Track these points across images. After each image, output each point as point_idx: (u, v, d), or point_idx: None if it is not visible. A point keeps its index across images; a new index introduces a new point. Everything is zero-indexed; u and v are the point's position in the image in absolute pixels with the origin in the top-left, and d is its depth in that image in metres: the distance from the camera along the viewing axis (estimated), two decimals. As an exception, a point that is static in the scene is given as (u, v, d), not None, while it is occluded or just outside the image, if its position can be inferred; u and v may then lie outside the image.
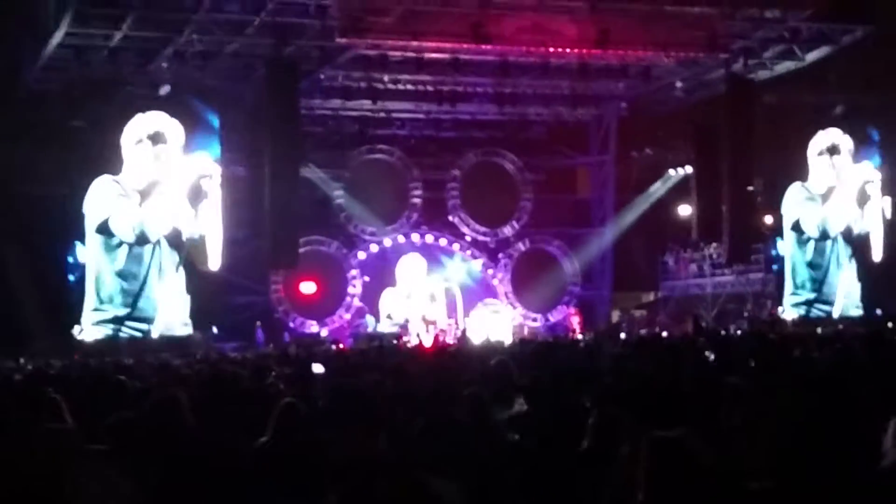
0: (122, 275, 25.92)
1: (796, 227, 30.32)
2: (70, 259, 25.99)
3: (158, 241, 26.20)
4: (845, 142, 30.71)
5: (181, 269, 26.35)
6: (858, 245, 30.43)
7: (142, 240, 26.12)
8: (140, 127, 26.13)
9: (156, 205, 26.26)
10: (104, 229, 25.84)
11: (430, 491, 3.47)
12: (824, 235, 30.38)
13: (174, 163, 26.37)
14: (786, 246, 30.38)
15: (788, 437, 5.44)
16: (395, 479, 3.62)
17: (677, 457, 4.41)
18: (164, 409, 6.69)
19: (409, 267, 30.78)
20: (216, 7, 22.14)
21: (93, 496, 5.11)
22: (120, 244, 25.97)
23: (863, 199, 30.73)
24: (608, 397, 6.82)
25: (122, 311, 25.74)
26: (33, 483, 4.09)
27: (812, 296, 30.10)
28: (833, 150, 30.59)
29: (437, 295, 30.58)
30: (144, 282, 26.06)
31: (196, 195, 26.45)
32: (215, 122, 26.61)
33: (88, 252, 25.80)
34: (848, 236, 30.41)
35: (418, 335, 27.60)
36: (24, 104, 25.90)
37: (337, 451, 5.92)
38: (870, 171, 30.76)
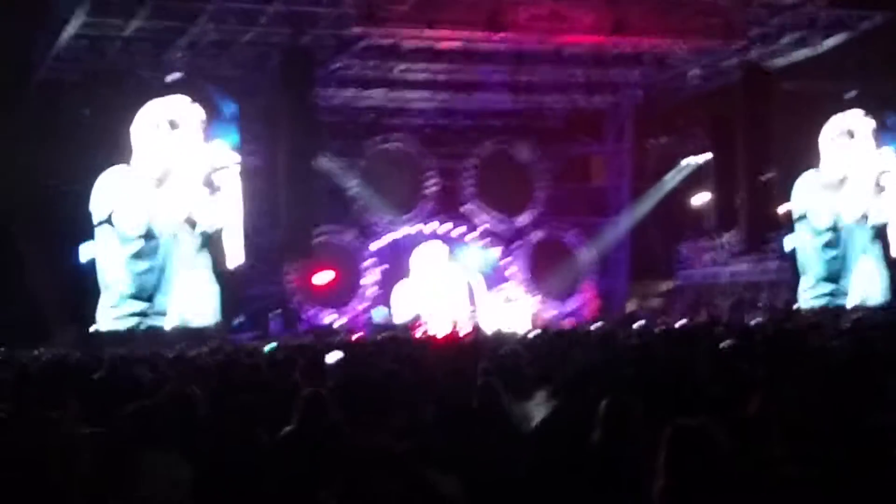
0: (135, 269, 25.50)
1: (804, 218, 29.90)
2: (81, 256, 25.58)
3: (175, 235, 25.85)
4: (864, 125, 29.97)
5: (204, 260, 26.01)
6: (876, 236, 29.98)
7: (149, 235, 25.70)
8: (157, 111, 25.80)
9: (167, 196, 25.89)
10: (108, 223, 25.56)
11: (428, 485, 3.45)
12: (836, 226, 29.87)
13: (192, 150, 26.06)
14: (797, 238, 29.96)
15: (808, 426, 5.40)
16: (396, 473, 3.60)
17: (698, 445, 4.39)
18: (179, 401, 6.70)
19: (427, 257, 30.74)
20: (231, -4, 22.12)
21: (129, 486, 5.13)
22: (131, 238, 25.62)
23: (879, 188, 30.16)
24: (621, 387, 6.79)
25: (139, 307, 25.48)
26: (28, 472, 4.09)
27: (828, 288, 29.68)
28: (850, 134, 29.93)
29: (455, 285, 30.55)
30: (161, 275, 25.68)
31: (212, 185, 26.30)
32: (232, 109, 26.52)
33: (98, 247, 25.38)
34: (863, 226, 29.97)
35: (430, 326, 27.58)
36: (39, 96, 25.94)
37: (346, 440, 5.91)
38: (889, 160, 30.11)
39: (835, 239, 29.92)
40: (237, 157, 26.50)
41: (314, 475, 5.59)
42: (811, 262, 29.97)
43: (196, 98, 26.05)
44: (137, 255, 25.67)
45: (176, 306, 25.80)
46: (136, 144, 25.74)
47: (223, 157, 26.40)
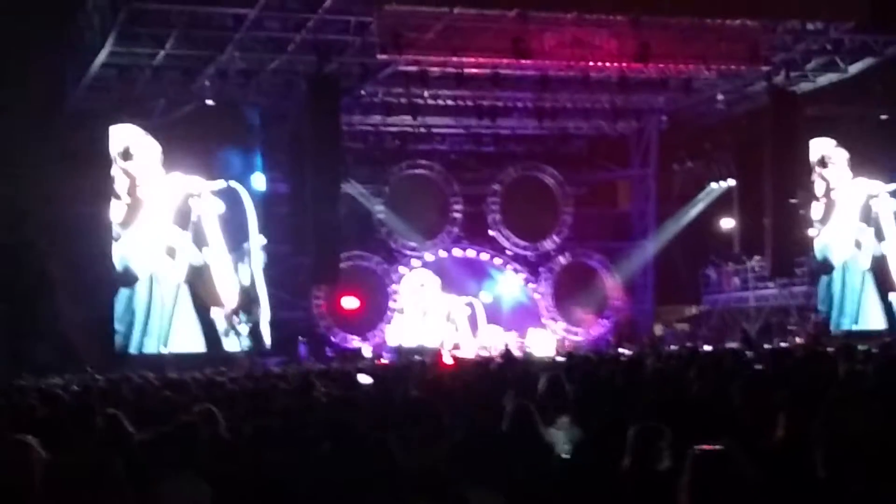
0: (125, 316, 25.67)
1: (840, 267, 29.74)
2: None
3: (152, 277, 25.78)
4: (837, 153, 29.87)
5: (186, 295, 26.00)
6: (873, 270, 29.64)
7: (129, 279, 25.69)
8: (113, 142, 25.83)
9: (138, 235, 25.71)
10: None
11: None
12: (826, 266, 29.58)
13: (152, 183, 25.98)
14: (829, 284, 29.82)
15: (839, 452, 5.37)
16: (438, 494, 3.62)
17: (721, 470, 4.38)
18: (202, 423, 6.75)
19: (419, 286, 30.69)
20: (258, 25, 22.34)
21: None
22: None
23: (867, 216, 29.75)
24: (650, 412, 6.78)
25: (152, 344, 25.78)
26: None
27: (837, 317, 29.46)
28: (821, 163, 29.70)
29: (455, 313, 30.52)
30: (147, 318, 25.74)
31: (184, 218, 26.31)
32: (257, 120, 26.57)
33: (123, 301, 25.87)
34: (855, 262, 29.62)
35: (454, 351, 27.53)
36: (69, 124, 26.26)
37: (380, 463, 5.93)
38: (874, 185, 29.76)
39: (828, 280, 29.64)
40: (208, 186, 26.53)
41: (350, 497, 5.62)
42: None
43: (223, 115, 26.00)
44: (139, 301, 25.84)
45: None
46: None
47: (192, 187, 26.39)
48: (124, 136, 25.85)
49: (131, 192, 25.87)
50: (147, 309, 25.77)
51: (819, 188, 29.69)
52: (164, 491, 5.63)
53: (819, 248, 29.56)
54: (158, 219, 25.96)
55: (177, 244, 26.06)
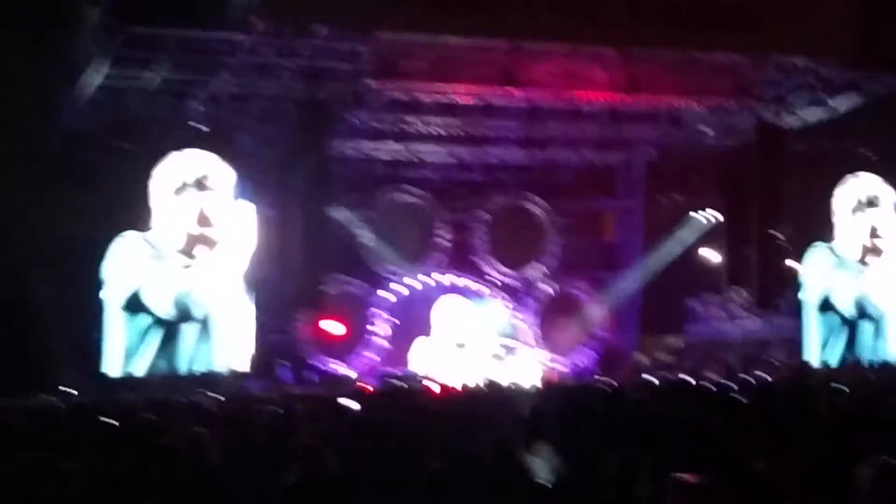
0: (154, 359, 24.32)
1: (827, 306, 28.51)
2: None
3: (206, 320, 24.66)
4: (886, 192, 28.83)
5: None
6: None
7: (184, 315, 24.39)
8: (179, 169, 24.84)
9: (203, 269, 24.48)
10: (135, 305, 24.35)
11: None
12: (862, 313, 28.35)
13: (224, 213, 24.96)
14: (811, 321, 28.58)
15: (817, 483, 5.44)
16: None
17: (701, 500, 4.44)
18: (190, 449, 6.76)
19: (449, 310, 30.69)
20: (251, 51, 22.45)
21: None
22: (153, 324, 24.24)
23: None
24: (630, 442, 6.84)
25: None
26: None
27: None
28: (870, 203, 28.60)
29: (477, 339, 30.55)
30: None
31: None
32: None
33: (112, 327, 24.44)
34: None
35: (443, 379, 27.49)
36: (61, 145, 26.24)
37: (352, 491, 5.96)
38: None
39: (858, 330, 28.40)
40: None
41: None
42: (828, 347, 28.58)
43: (223, 151, 25.35)
44: (157, 347, 24.56)
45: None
46: (155, 207, 24.67)
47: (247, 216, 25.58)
48: (198, 164, 24.84)
49: (202, 221, 24.74)
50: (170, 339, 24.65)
51: (865, 233, 28.45)
52: None
53: (855, 296, 28.24)
54: (230, 250, 24.87)
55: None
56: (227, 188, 25.15)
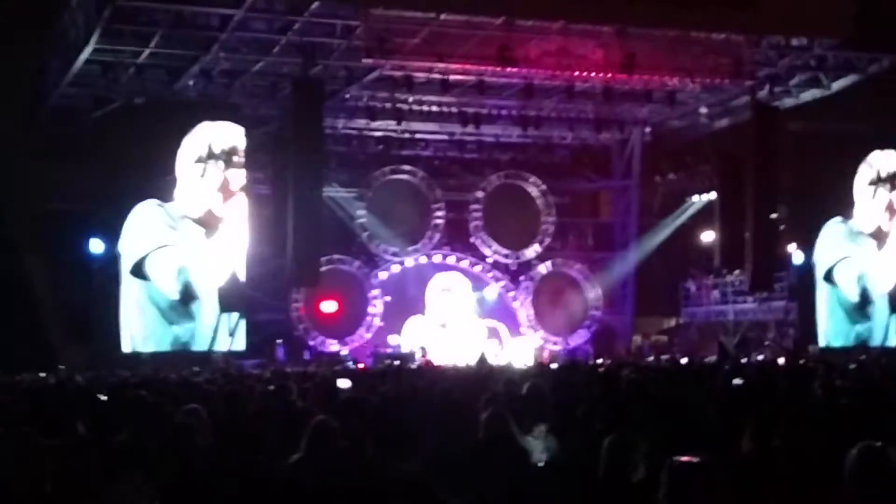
0: (165, 332, 24.10)
1: (828, 278, 28.35)
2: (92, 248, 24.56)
3: (204, 296, 24.39)
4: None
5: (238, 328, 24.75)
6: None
7: (187, 296, 24.33)
8: (207, 140, 24.60)
9: (219, 245, 24.34)
10: (139, 271, 24.28)
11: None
12: (865, 297, 28.13)
13: (243, 189, 24.75)
14: (820, 294, 28.46)
15: (809, 464, 5.39)
16: (417, 500, 3.60)
17: (698, 482, 4.39)
18: (184, 428, 6.71)
19: (446, 286, 30.62)
20: (243, 26, 22.28)
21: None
22: (152, 300, 24.05)
23: None
24: (625, 422, 6.79)
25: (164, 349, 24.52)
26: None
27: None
28: (890, 182, 28.18)
29: (472, 316, 30.54)
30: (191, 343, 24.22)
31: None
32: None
33: (127, 295, 24.39)
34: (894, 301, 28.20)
35: (436, 356, 27.52)
36: (51, 120, 26.09)
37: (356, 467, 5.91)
38: None
39: (864, 313, 28.13)
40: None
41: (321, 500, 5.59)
42: (834, 321, 28.26)
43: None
44: (170, 319, 24.48)
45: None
46: (182, 177, 24.38)
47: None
48: (227, 136, 24.80)
49: (222, 196, 24.56)
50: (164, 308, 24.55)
51: (881, 210, 28.13)
52: (109, 492, 5.58)
53: (857, 276, 27.92)
54: (237, 234, 24.72)
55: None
56: (242, 160, 24.97)
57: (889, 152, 28.70)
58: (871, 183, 28.54)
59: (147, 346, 24.49)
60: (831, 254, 28.51)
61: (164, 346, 24.57)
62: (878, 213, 28.63)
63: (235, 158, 25.08)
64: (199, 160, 24.59)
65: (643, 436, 5.67)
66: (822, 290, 28.51)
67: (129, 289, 24.50)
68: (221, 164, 24.82)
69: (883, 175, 28.64)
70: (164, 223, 24.30)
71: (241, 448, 7.06)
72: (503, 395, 8.90)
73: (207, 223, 24.73)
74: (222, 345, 24.89)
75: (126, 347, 24.59)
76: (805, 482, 5.32)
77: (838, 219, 28.68)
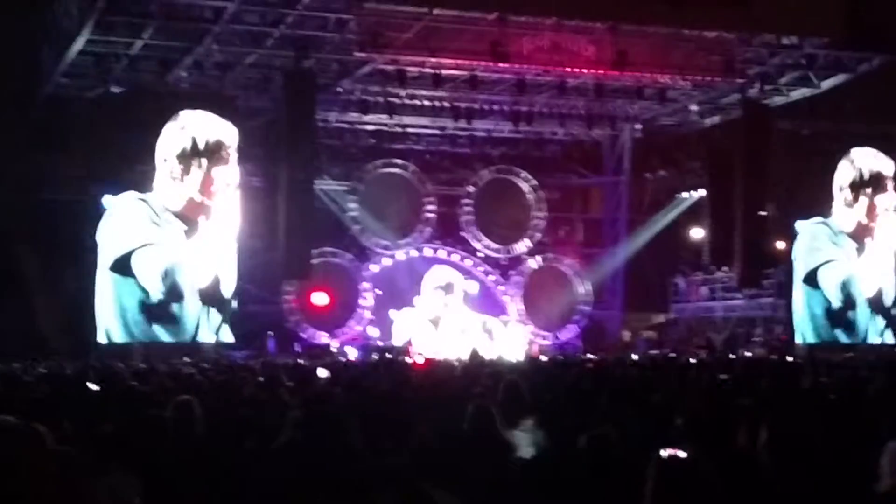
0: (149, 332, 23.61)
1: (811, 281, 27.84)
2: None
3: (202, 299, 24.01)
4: (887, 167, 28.23)
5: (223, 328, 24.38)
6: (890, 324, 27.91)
7: (173, 294, 23.77)
8: (188, 131, 24.14)
9: (201, 243, 23.93)
10: (123, 267, 23.61)
11: (429, 501, 3.50)
12: (848, 301, 27.70)
13: (232, 185, 24.44)
14: (798, 295, 27.97)
15: (797, 460, 5.47)
16: (402, 491, 3.66)
17: (686, 477, 4.45)
18: (179, 419, 6.75)
19: (438, 281, 30.58)
20: (236, 18, 22.29)
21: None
22: (141, 291, 23.48)
23: None
24: (614, 417, 6.86)
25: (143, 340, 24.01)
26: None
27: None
28: (872, 183, 27.86)
29: (461, 311, 30.60)
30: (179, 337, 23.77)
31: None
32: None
33: (103, 288, 23.74)
34: (878, 303, 27.98)
35: (424, 350, 27.55)
36: (44, 111, 26.04)
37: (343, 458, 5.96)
38: None
39: (847, 319, 27.80)
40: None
41: (306, 490, 5.65)
42: (815, 323, 27.89)
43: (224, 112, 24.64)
44: (157, 319, 23.98)
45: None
46: (161, 170, 23.95)
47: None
48: (209, 127, 24.24)
49: (203, 191, 24.04)
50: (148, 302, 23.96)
51: (860, 210, 27.86)
52: (94, 484, 5.61)
53: (841, 279, 27.64)
54: (223, 230, 24.25)
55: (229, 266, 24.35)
56: (231, 156, 24.76)
57: (872, 151, 28.52)
58: (853, 185, 28.21)
59: (124, 340, 24.19)
60: (812, 256, 28.07)
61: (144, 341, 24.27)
62: (860, 214, 28.24)
63: (222, 153, 24.59)
64: (184, 155, 24.15)
65: (632, 430, 5.74)
66: (799, 291, 28.06)
67: (106, 282, 23.98)
68: (205, 161, 24.37)
69: (866, 177, 28.32)
70: (147, 218, 23.82)
71: (233, 439, 7.11)
72: (492, 388, 8.96)
73: (191, 219, 24.21)
74: (207, 340, 24.71)
75: (102, 339, 24.26)
76: (792, 478, 5.39)
77: (818, 218, 28.29)
